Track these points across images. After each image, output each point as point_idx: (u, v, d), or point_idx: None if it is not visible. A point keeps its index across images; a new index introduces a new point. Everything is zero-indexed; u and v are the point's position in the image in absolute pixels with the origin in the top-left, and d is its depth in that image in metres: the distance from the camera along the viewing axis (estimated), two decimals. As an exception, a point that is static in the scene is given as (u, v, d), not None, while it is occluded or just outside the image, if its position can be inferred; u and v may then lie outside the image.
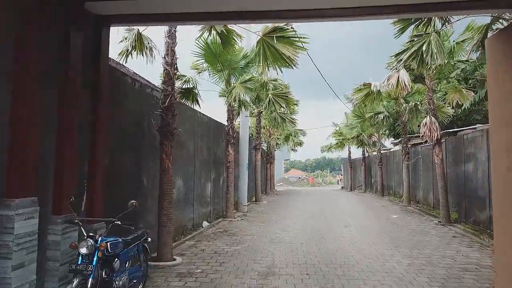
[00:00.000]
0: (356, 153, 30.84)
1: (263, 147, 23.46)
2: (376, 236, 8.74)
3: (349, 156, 30.72)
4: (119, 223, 3.95)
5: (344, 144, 28.83)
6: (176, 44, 6.62)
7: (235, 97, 9.94)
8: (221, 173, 12.08)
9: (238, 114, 14.25)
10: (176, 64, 6.62)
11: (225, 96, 10.49)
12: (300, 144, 28.15)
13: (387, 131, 24.18)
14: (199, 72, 11.67)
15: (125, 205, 4.26)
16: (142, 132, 6.73)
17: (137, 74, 11.29)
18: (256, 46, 6.59)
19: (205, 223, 10.01)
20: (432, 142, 10.82)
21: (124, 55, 7.49)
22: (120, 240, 3.96)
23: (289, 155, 60.40)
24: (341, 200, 19.72)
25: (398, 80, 10.40)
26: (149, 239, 4.87)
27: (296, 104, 16.45)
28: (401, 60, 7.41)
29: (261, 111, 15.34)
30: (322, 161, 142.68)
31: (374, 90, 11.66)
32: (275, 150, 27.97)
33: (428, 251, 7.25)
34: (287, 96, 11.55)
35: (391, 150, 24.71)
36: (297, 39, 5.98)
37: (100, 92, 4.87)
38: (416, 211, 13.83)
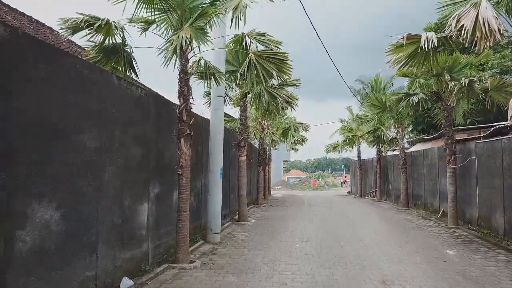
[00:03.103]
0: (365, 153, 26.25)
1: (254, 145, 18.86)
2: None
3: (359, 156, 26.04)
4: None
5: (354, 142, 24.22)
6: None
7: (175, 48, 5.35)
8: (175, 185, 7.46)
9: (209, 98, 9.66)
10: None
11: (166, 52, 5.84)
12: (303, 140, 23.18)
13: (410, 125, 19.64)
14: (145, 28, 7.16)
15: None
16: None
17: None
18: None
19: (125, 282, 5.40)
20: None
21: None
22: None
23: (289, 155, 55.56)
24: (356, 215, 15.08)
25: (476, 20, 5.78)
26: None
27: (296, 85, 11.84)
28: None
29: (246, 93, 10.69)
30: (323, 161, 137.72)
31: (426, 46, 6.97)
32: (270, 149, 23.30)
33: None
34: (281, 60, 6.91)
35: (409, 149, 20.06)
36: None
37: None
38: (475, 240, 9.23)
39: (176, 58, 5.97)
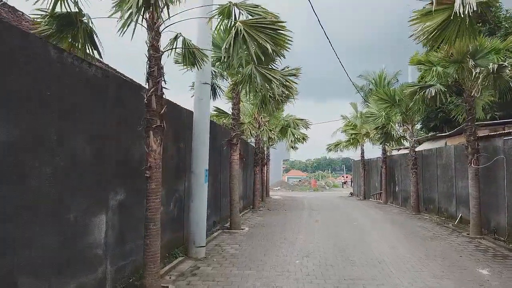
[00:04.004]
0: (368, 152, 24.84)
1: (251, 143, 17.44)
2: None
3: (362, 156, 24.61)
4: None
5: (358, 141, 22.82)
6: None
7: (130, 7, 3.96)
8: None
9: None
10: None
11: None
12: (304, 138, 21.64)
13: (419, 122, 18.22)
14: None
15: None
16: None
17: None
18: None
19: (64, 325, 3.99)
20: None
21: None
22: None
23: (289, 154, 54.00)
24: (363, 220, 13.66)
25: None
26: None
27: (295, 75, 10.41)
28: None
29: (238, 82, 9.27)
30: (323, 161, 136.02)
31: (461, 12, 5.43)
32: (268, 148, 21.86)
33: None
34: (275, 30, 5.52)
35: (416, 148, 18.60)
36: None
37: None
38: (508, 254, 7.80)
39: (133, 24, 4.51)
